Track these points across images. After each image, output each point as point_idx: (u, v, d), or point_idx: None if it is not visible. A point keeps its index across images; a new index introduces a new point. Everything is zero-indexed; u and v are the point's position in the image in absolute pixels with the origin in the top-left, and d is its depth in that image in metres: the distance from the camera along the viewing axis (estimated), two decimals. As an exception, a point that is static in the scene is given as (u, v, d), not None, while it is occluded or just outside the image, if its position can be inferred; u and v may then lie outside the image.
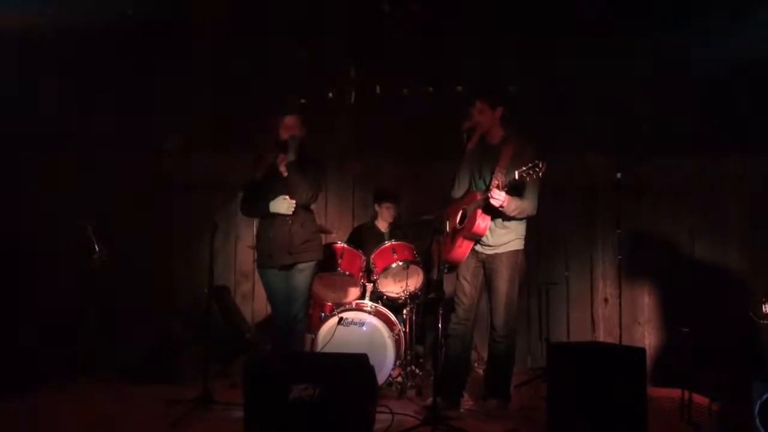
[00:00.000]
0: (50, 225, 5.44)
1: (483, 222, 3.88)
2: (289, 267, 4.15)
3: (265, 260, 4.20)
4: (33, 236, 5.45)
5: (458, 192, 4.17)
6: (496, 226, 3.95)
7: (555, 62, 5.51)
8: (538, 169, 3.55)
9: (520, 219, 3.94)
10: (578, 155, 5.53)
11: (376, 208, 5.26)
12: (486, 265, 4.02)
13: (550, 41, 5.47)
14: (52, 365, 4.68)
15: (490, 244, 3.98)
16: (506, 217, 3.90)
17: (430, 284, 4.81)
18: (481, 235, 3.94)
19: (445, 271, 4.00)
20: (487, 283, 4.04)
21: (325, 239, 4.88)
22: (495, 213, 3.87)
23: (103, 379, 4.71)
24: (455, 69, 5.71)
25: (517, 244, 4.00)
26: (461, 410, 3.99)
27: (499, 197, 3.72)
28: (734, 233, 5.28)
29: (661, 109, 5.37)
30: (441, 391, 3.85)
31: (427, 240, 4.77)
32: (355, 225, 5.67)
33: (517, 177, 3.64)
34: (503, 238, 3.97)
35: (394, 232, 5.18)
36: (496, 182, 3.75)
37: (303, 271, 4.16)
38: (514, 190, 3.83)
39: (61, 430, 3.60)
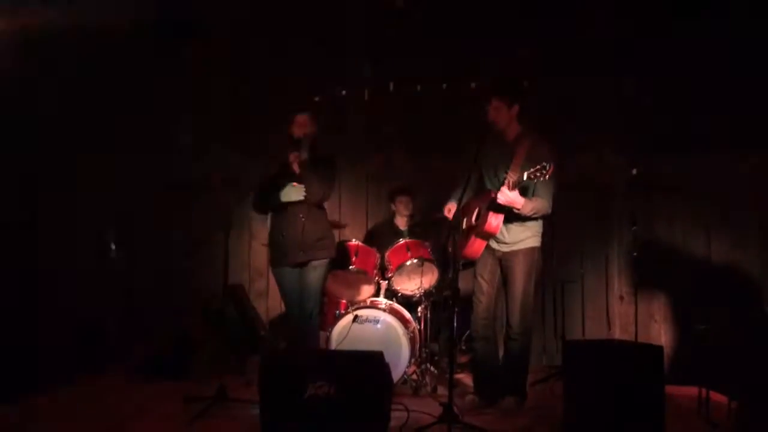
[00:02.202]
0: (69, 225, 5.48)
1: (495, 221, 3.87)
2: (303, 265, 4.16)
3: (278, 258, 4.21)
4: (52, 237, 5.49)
5: (469, 190, 4.16)
6: (513, 223, 3.94)
7: (568, 60, 5.47)
8: (545, 171, 3.56)
9: (537, 218, 3.93)
10: (594, 153, 5.49)
11: (393, 206, 5.25)
12: (503, 262, 4.02)
13: (564, 38, 5.45)
14: (71, 364, 4.72)
15: (507, 241, 3.97)
16: (524, 217, 3.89)
17: (445, 282, 4.81)
18: (493, 234, 3.93)
19: (460, 268, 3.99)
20: (504, 281, 4.04)
21: (338, 234, 4.89)
22: (509, 213, 3.86)
23: (120, 377, 4.75)
24: (469, 66, 5.69)
25: (534, 242, 4.00)
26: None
27: (505, 197, 3.72)
28: (752, 231, 5.20)
29: (679, 107, 5.31)
30: (478, 391, 4.06)
31: (443, 237, 4.79)
32: (370, 222, 5.68)
33: (525, 178, 3.65)
34: (520, 236, 3.96)
35: (414, 230, 5.17)
36: (508, 182, 3.75)
37: (316, 269, 4.17)
38: (525, 190, 3.83)
39: (81, 427, 3.62)
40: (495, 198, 3.78)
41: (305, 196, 4.09)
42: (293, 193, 4.09)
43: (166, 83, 5.77)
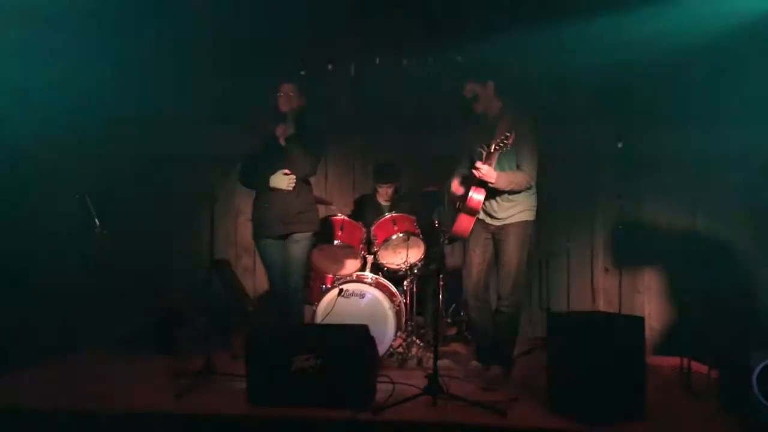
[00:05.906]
0: (50, 201, 5.42)
1: (476, 195, 3.94)
2: (284, 237, 4.17)
3: (260, 230, 4.23)
4: (34, 213, 5.44)
5: (460, 168, 4.21)
6: (501, 200, 4.01)
7: (555, 33, 5.43)
8: (506, 141, 3.70)
9: (518, 191, 3.97)
10: (579, 126, 5.48)
11: (375, 185, 5.24)
12: (495, 236, 4.08)
13: (550, 11, 5.41)
14: (56, 338, 4.71)
15: (499, 216, 4.03)
16: (509, 192, 3.94)
17: (432, 255, 4.83)
18: (476, 210, 3.99)
19: (446, 242, 4.03)
20: (496, 254, 4.10)
21: (325, 211, 4.89)
22: (491, 188, 3.90)
23: (106, 352, 4.75)
24: (455, 40, 5.65)
25: (527, 215, 4.05)
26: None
27: (479, 171, 3.81)
28: (737, 204, 5.23)
29: (665, 80, 5.31)
30: (479, 356, 4.17)
31: (429, 211, 4.81)
32: (357, 196, 5.67)
33: (492, 150, 3.76)
34: (510, 211, 4.02)
35: (397, 204, 5.17)
36: (482, 155, 3.84)
37: (299, 242, 4.18)
38: (501, 163, 3.89)
39: (70, 399, 3.62)
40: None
41: (293, 186, 4.11)
42: (284, 182, 4.11)
43: (147, 55, 5.67)
